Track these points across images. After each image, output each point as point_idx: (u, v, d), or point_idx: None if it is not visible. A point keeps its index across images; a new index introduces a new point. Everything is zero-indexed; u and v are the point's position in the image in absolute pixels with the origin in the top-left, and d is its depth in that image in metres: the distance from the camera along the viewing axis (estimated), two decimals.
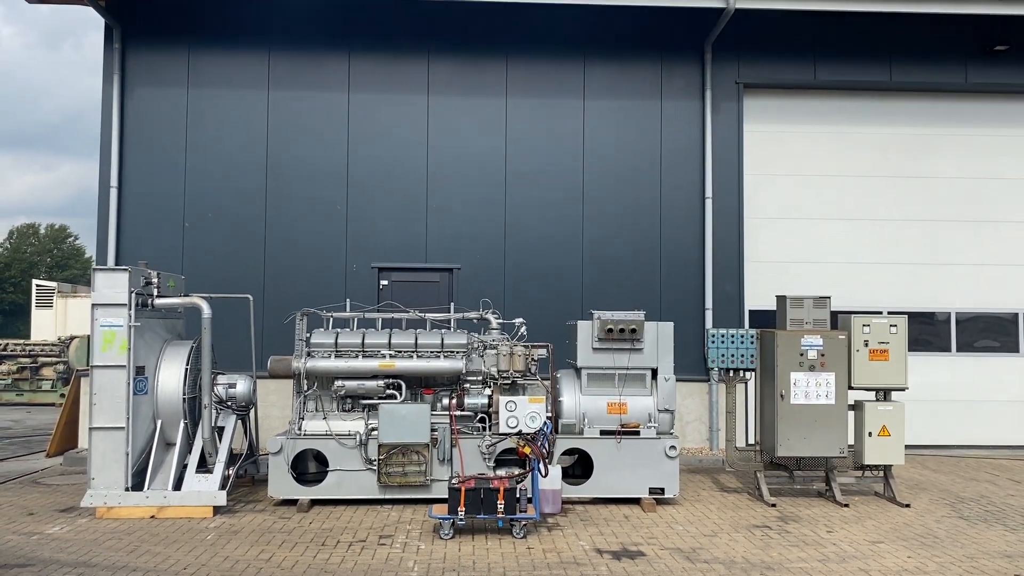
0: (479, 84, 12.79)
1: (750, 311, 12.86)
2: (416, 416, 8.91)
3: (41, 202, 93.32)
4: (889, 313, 12.10)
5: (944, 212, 13.32)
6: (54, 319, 25.73)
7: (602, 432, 9.19)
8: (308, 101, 12.66)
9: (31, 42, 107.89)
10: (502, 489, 7.78)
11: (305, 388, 9.31)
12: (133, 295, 8.69)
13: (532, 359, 9.31)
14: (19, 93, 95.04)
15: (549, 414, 8.83)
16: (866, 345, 9.40)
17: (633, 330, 9.31)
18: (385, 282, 12.49)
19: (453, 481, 7.96)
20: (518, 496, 7.83)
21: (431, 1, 12.04)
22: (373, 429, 9.02)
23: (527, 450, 8.26)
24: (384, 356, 9.29)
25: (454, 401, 9.18)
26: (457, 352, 9.36)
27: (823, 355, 9.34)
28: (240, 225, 12.48)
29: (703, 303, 12.64)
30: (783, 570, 6.91)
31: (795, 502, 9.43)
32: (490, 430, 9.05)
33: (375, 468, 8.91)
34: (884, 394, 9.51)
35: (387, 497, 8.99)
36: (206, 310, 9.03)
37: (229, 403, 9.53)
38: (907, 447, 9.62)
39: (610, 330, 9.29)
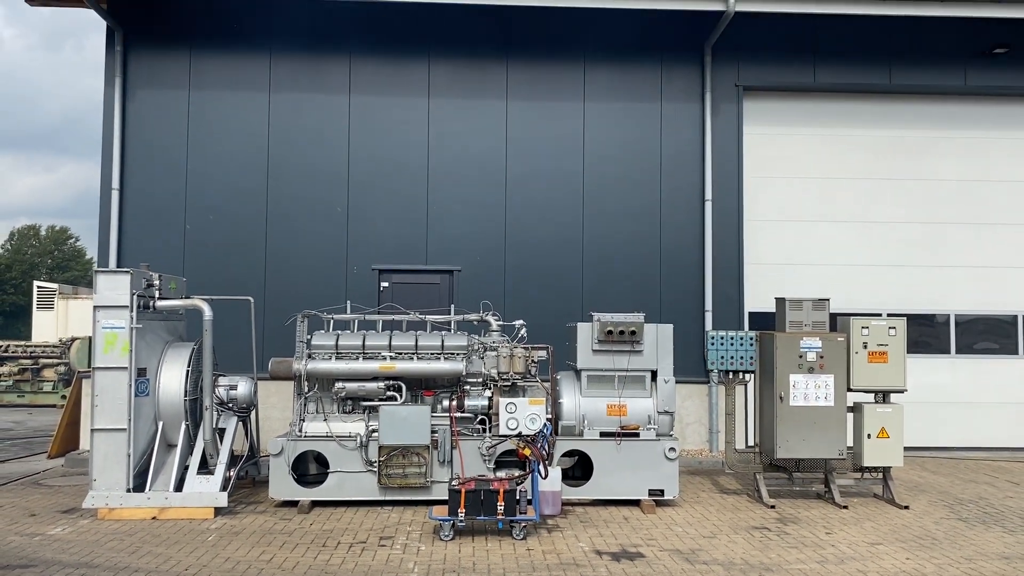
0: (480, 86, 12.83)
1: (750, 313, 12.89)
2: (416, 418, 8.94)
3: (42, 203, 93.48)
4: (889, 315, 12.11)
5: (944, 214, 13.35)
6: (55, 321, 25.79)
7: (602, 434, 9.22)
8: (309, 103, 12.70)
9: (32, 44, 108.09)
10: (502, 491, 7.81)
11: (306, 390, 9.34)
12: (135, 297, 8.73)
13: (532, 361, 9.34)
14: (20, 94, 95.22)
15: (549, 416, 8.86)
16: (865, 347, 9.43)
17: (633, 332, 9.34)
18: (386, 284, 12.52)
19: (453, 483, 7.99)
20: (518, 498, 7.86)
21: (431, 3, 12.07)
22: (374, 431, 9.05)
23: (527, 452, 8.29)
24: (384, 358, 9.32)
25: (454, 403, 9.21)
26: (457, 354, 9.39)
27: (822, 357, 9.37)
28: (241, 227, 12.52)
29: (703, 305, 12.67)
30: (782, 571, 6.94)
31: (794, 504, 9.45)
32: (490, 432, 9.08)
33: (375, 470, 8.94)
34: (883, 396, 9.54)
35: (387, 499, 9.01)
36: (207, 312, 9.06)
37: (230, 405, 9.56)
38: (906, 449, 9.64)
39: (610, 332, 9.32)
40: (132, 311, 8.70)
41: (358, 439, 9.03)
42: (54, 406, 20.17)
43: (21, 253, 58.35)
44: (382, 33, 12.74)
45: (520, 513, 7.84)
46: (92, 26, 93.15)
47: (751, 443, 10.14)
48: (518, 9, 12.20)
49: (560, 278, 12.64)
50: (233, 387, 9.60)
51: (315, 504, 8.98)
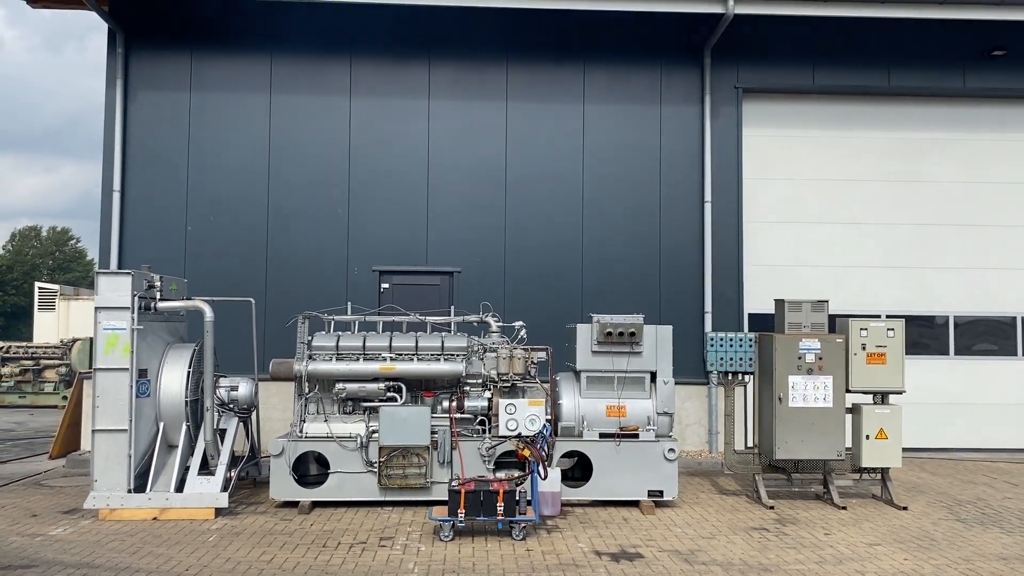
0: (480, 88, 12.86)
1: (749, 314, 12.91)
2: (416, 419, 8.97)
3: (43, 204, 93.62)
4: (888, 317, 12.14)
5: (943, 216, 13.38)
6: (56, 322, 25.82)
7: (601, 435, 9.25)
8: (309, 105, 12.74)
9: (34, 45, 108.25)
10: (502, 491, 7.83)
11: (306, 391, 9.36)
12: (136, 298, 8.76)
13: (532, 362, 9.37)
14: (22, 95, 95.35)
15: (548, 417, 8.89)
16: (864, 348, 9.46)
17: (632, 333, 9.37)
18: (386, 285, 12.56)
19: (453, 483, 8.02)
20: (517, 498, 7.89)
21: (432, 6, 12.10)
22: (374, 431, 9.08)
23: (526, 453, 8.31)
24: (385, 359, 9.35)
25: (454, 404, 9.24)
26: (457, 355, 9.42)
27: (821, 358, 9.40)
28: (242, 228, 12.55)
29: (702, 306, 12.70)
30: (780, 572, 6.97)
31: (793, 504, 9.48)
32: (490, 433, 9.12)
33: (376, 470, 8.97)
34: (882, 397, 9.56)
35: (388, 499, 9.04)
36: (208, 313, 9.10)
37: (231, 406, 9.60)
38: (905, 450, 9.67)
39: (609, 333, 9.35)
40: (133, 312, 8.73)
41: (358, 440, 9.06)
42: (55, 407, 20.21)
43: (22, 254, 58.41)
44: (382, 35, 12.77)
45: (520, 514, 7.87)
46: (94, 27, 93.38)
47: (750, 444, 10.17)
48: (518, 11, 12.24)
49: (560, 279, 12.67)
50: (234, 388, 9.64)
51: (315, 504, 9.01)
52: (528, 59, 12.88)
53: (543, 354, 9.45)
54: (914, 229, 13.32)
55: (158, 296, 9.22)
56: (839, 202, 13.28)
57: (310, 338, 9.51)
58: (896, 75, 13.17)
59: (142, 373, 8.87)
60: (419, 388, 9.48)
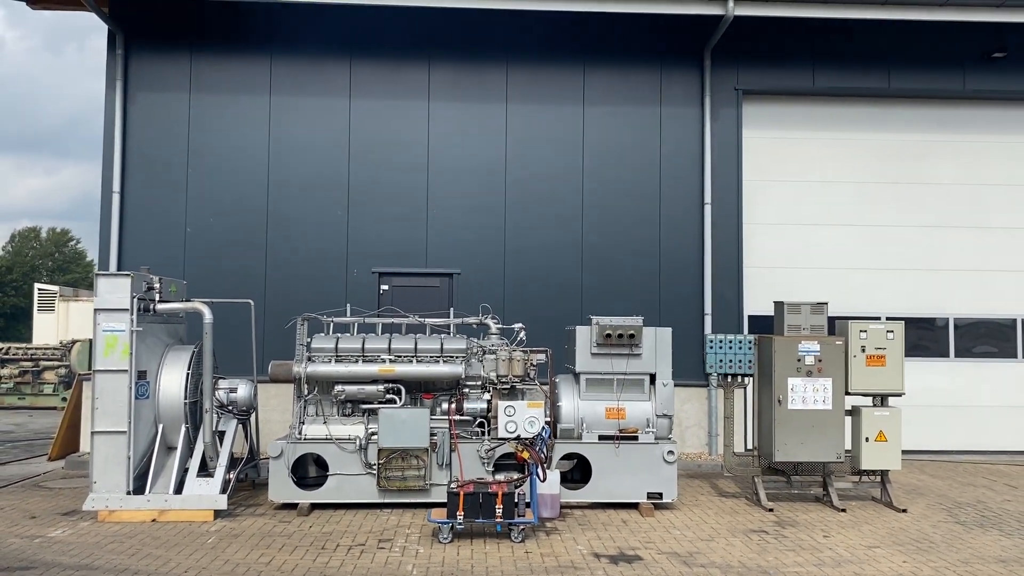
0: (479, 90, 12.87)
1: (749, 316, 12.91)
2: (415, 421, 8.97)
3: (43, 206, 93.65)
4: (888, 319, 12.14)
5: (943, 218, 13.38)
6: (56, 323, 25.81)
7: (600, 437, 9.25)
8: (309, 106, 12.74)
9: (34, 46, 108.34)
10: (500, 493, 7.83)
11: (306, 392, 9.36)
12: (135, 300, 8.77)
13: (531, 364, 9.37)
14: (22, 96, 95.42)
15: (547, 419, 8.90)
16: (863, 351, 9.45)
17: (631, 335, 9.36)
18: (385, 287, 12.55)
19: (452, 485, 8.02)
20: (516, 500, 7.89)
21: (432, 8, 12.11)
22: (373, 433, 9.08)
23: (525, 455, 8.31)
24: (384, 361, 9.35)
25: (453, 406, 9.23)
26: (456, 357, 9.42)
27: (820, 361, 9.39)
28: (242, 229, 12.55)
29: (702, 308, 12.70)
30: (779, 574, 6.96)
31: (792, 507, 9.48)
32: (489, 435, 9.11)
33: (375, 472, 8.97)
34: (881, 399, 9.56)
35: (386, 501, 9.04)
36: (207, 315, 9.09)
37: (230, 407, 9.60)
38: (905, 452, 9.66)
39: (609, 335, 9.35)
40: (132, 314, 8.74)
41: (357, 442, 9.06)
42: (55, 408, 20.22)
43: (22, 255, 58.42)
44: (382, 36, 12.78)
45: (518, 516, 7.87)
46: (94, 29, 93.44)
47: (750, 446, 10.16)
48: (518, 12, 12.24)
49: (559, 281, 12.66)
50: (233, 390, 9.64)
51: (314, 506, 9.00)
52: (528, 60, 12.88)
53: (542, 356, 9.45)
54: (914, 231, 13.32)
55: (157, 298, 9.22)
56: (839, 204, 13.28)
57: (309, 340, 9.50)
58: (896, 77, 13.17)
59: (141, 375, 8.87)
60: (418, 390, 9.48)
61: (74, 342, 21.02)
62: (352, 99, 12.76)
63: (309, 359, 9.35)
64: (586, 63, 12.95)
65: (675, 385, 9.61)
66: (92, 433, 8.73)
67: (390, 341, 9.50)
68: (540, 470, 8.28)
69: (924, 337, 13.24)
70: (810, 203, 13.28)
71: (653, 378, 9.47)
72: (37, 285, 28.09)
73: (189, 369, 9.22)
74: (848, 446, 9.51)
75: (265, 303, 12.16)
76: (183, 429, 9.08)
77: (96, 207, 12.54)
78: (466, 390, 9.38)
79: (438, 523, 7.83)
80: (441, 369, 9.32)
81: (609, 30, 12.87)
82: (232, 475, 9.08)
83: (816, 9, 11.98)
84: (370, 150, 12.73)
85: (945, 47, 13.16)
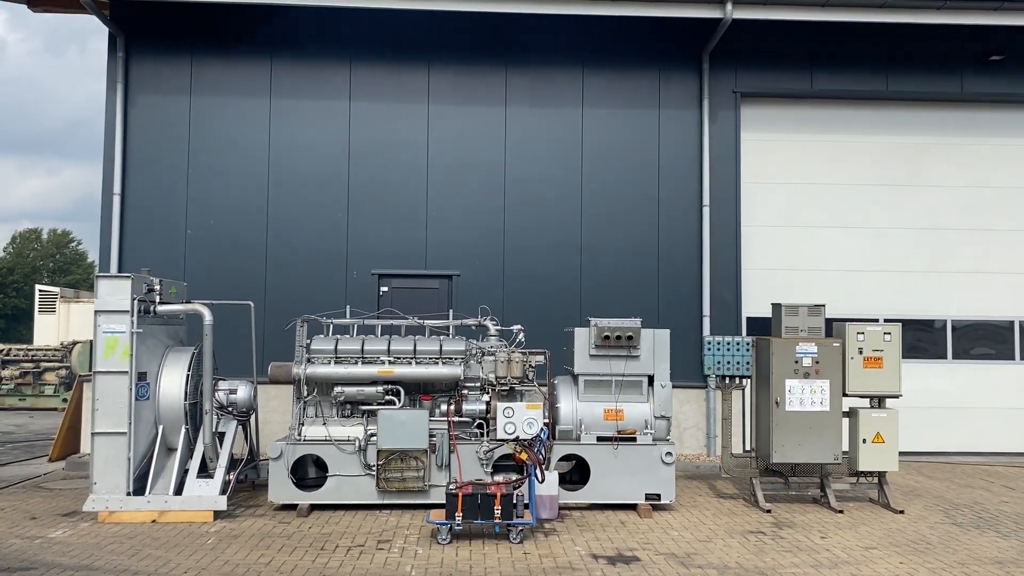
0: (479, 93, 12.90)
1: (747, 318, 12.94)
2: (415, 422, 9.00)
3: (44, 207, 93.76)
4: (886, 321, 12.17)
5: (941, 220, 13.41)
6: (57, 324, 25.86)
7: (599, 438, 9.27)
8: (309, 109, 12.78)
9: (36, 48, 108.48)
10: (499, 495, 7.86)
11: (305, 394, 9.39)
12: (135, 302, 8.80)
13: (530, 365, 9.40)
14: (24, 98, 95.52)
15: (546, 420, 8.92)
16: (860, 353, 9.48)
17: (630, 337, 9.39)
18: (385, 289, 12.59)
19: (451, 487, 8.04)
20: (515, 502, 7.91)
21: (432, 11, 12.15)
22: (372, 435, 9.11)
23: (524, 456, 8.33)
24: (383, 362, 9.38)
25: (452, 407, 9.26)
26: (455, 358, 9.45)
27: (818, 362, 9.42)
28: (242, 232, 12.59)
29: (700, 310, 12.73)
30: (776, 575, 6.99)
31: (790, 508, 9.51)
32: (488, 436, 9.15)
33: (374, 473, 9.00)
34: (878, 401, 9.59)
35: (386, 502, 9.07)
36: (208, 317, 9.13)
37: (230, 409, 9.63)
38: (903, 454, 9.70)
39: (607, 337, 9.38)
40: (133, 316, 8.77)
41: (357, 443, 9.09)
42: (55, 410, 20.26)
43: (23, 256, 58.48)
44: (382, 39, 12.82)
45: (517, 517, 7.89)
46: (95, 31, 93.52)
47: (748, 448, 10.19)
48: (517, 16, 12.28)
49: (558, 283, 12.70)
50: (233, 391, 9.68)
51: (314, 508, 9.04)
52: (527, 63, 12.92)
53: (541, 358, 9.49)
54: (912, 233, 13.35)
55: (157, 299, 9.26)
56: (837, 206, 13.31)
57: (309, 341, 9.54)
58: (894, 80, 13.21)
59: (141, 376, 8.90)
60: (417, 391, 9.51)
61: (75, 343, 21.04)
62: (352, 101, 12.80)
63: (309, 360, 9.39)
64: (585, 66, 12.99)
65: (673, 387, 9.65)
66: (92, 434, 8.77)
67: (389, 343, 9.53)
68: (538, 471, 8.31)
69: (922, 339, 13.27)
70: (808, 205, 13.31)
71: (651, 380, 9.50)
72: (38, 286, 28.14)
73: (189, 370, 9.25)
74: (845, 447, 9.53)
75: (265, 304, 12.20)
76: (183, 430, 9.12)
77: (97, 208, 12.57)
78: (465, 391, 9.41)
79: (437, 524, 7.86)
80: (440, 371, 9.35)
81: (608, 33, 12.91)
82: (232, 476, 9.12)
83: (814, 12, 12.02)
84: (370, 152, 12.76)
85: (943, 50, 13.20)
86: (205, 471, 9.04)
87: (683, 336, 11.97)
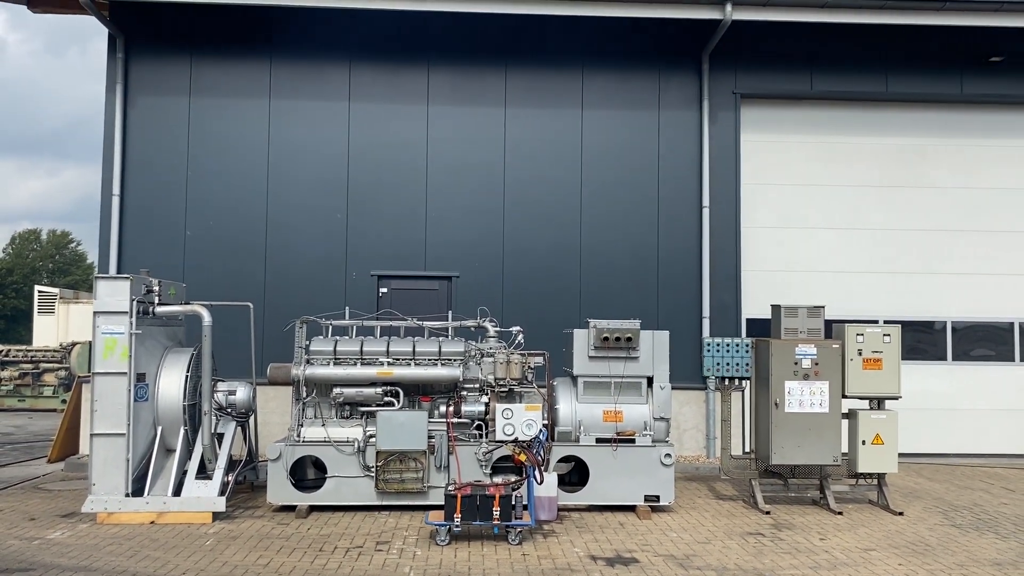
0: (478, 94, 12.90)
1: (747, 320, 12.94)
2: (413, 423, 8.99)
3: (44, 208, 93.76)
4: (885, 322, 12.18)
5: (940, 221, 13.41)
6: (56, 325, 25.87)
7: (598, 440, 9.26)
8: (309, 110, 12.78)
9: (36, 49, 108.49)
10: (498, 496, 7.85)
11: (304, 395, 9.38)
12: (134, 303, 8.79)
13: (529, 367, 9.39)
14: (24, 99, 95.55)
15: (545, 422, 8.92)
16: (860, 354, 9.48)
17: (629, 338, 9.39)
18: (384, 290, 12.59)
19: (450, 488, 8.04)
20: (514, 503, 7.91)
21: (431, 12, 12.15)
22: (371, 436, 9.11)
23: (523, 457, 8.33)
24: (382, 364, 9.38)
25: (451, 408, 9.25)
26: (454, 360, 9.44)
27: (817, 364, 9.41)
28: (241, 233, 12.58)
29: (700, 312, 12.73)
30: None
31: (789, 510, 9.50)
32: (487, 437, 9.14)
33: (373, 475, 8.99)
34: (878, 403, 9.58)
35: (384, 503, 9.06)
36: (207, 318, 9.13)
37: (229, 410, 9.62)
38: (902, 455, 9.69)
39: (606, 338, 9.37)
40: (132, 317, 8.77)
41: (356, 444, 9.08)
42: (54, 411, 20.26)
43: (22, 257, 58.49)
44: (382, 40, 12.82)
45: (516, 518, 7.89)
46: (95, 32, 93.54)
47: (747, 449, 10.18)
48: (517, 17, 12.28)
49: (557, 284, 12.70)
50: (232, 392, 9.67)
51: (312, 509, 9.03)
52: (527, 64, 12.92)
53: (540, 359, 9.49)
54: (911, 235, 13.35)
55: (156, 300, 9.25)
56: (837, 207, 13.31)
57: (308, 342, 9.53)
58: (894, 81, 13.21)
59: (140, 377, 8.90)
60: (416, 393, 9.50)
61: (74, 344, 21.07)
62: (351, 102, 12.80)
63: (308, 362, 9.38)
64: (584, 67, 12.99)
65: (673, 388, 9.65)
66: (91, 435, 8.76)
67: (388, 344, 9.53)
68: (537, 473, 8.31)
69: (922, 340, 13.27)
70: (808, 206, 13.31)
71: (651, 381, 9.49)
72: (37, 287, 28.15)
73: (188, 371, 9.24)
74: (845, 449, 9.53)
75: (264, 306, 12.20)
76: (182, 431, 9.11)
77: (97, 209, 12.57)
78: (464, 393, 9.40)
79: (436, 525, 7.85)
80: (439, 372, 9.34)
81: (608, 34, 12.91)
82: (231, 477, 9.11)
83: (814, 13, 12.02)
84: (369, 153, 12.76)
85: (942, 51, 13.20)
86: (204, 472, 9.04)
87: (682, 337, 11.97)
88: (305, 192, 12.68)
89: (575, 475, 9.60)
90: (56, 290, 27.55)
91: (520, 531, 7.90)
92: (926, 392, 12.89)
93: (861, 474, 9.56)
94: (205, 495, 8.77)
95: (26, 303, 45.20)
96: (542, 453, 8.52)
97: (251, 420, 10.04)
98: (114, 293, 8.79)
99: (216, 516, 8.71)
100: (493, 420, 8.91)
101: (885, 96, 13.27)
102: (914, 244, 13.35)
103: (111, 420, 8.72)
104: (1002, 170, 13.50)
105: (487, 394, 9.35)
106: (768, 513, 9.27)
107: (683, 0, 11.94)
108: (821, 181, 13.34)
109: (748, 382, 9.97)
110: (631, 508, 9.21)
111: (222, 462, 9.04)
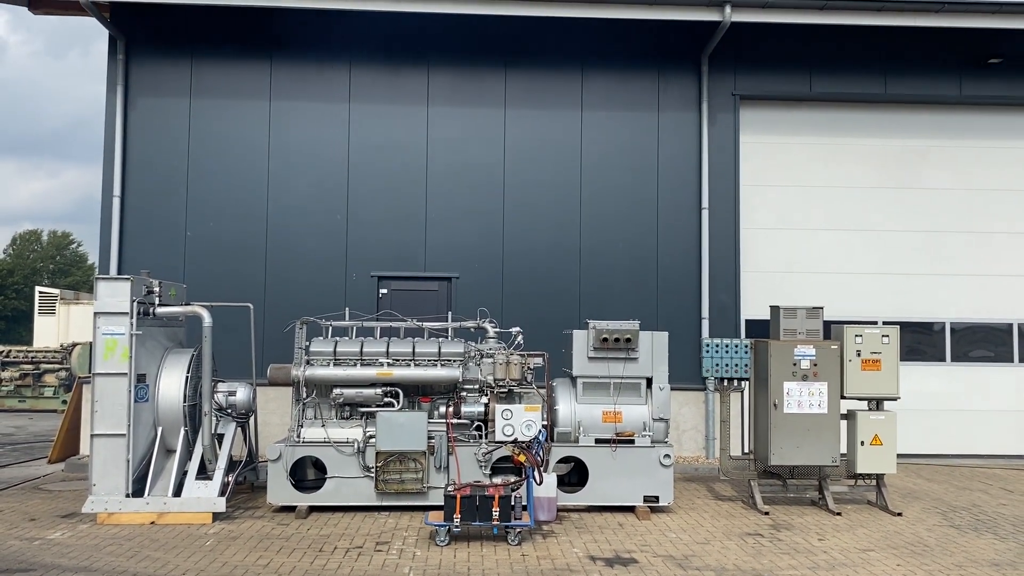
0: (478, 95, 12.92)
1: (746, 320, 12.96)
2: (413, 424, 9.01)
3: (45, 208, 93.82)
4: (884, 323, 12.20)
5: (939, 223, 13.43)
6: (57, 326, 25.87)
7: (597, 440, 9.28)
8: (309, 111, 12.80)
9: (37, 50, 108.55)
10: (497, 496, 7.87)
11: (304, 396, 9.39)
12: (135, 304, 8.81)
13: (528, 368, 9.41)
14: (25, 100, 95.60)
15: (544, 422, 8.93)
16: (858, 355, 9.50)
17: (628, 339, 9.41)
18: (384, 291, 12.61)
19: (449, 488, 8.05)
20: (513, 503, 7.92)
21: (432, 13, 12.17)
22: (371, 437, 9.12)
23: (522, 458, 8.35)
24: (382, 364, 9.39)
25: (451, 409, 9.27)
26: (454, 361, 9.46)
27: (816, 365, 9.43)
28: (241, 234, 12.60)
29: (699, 312, 12.74)
30: None
31: (788, 510, 9.52)
32: (486, 438, 9.16)
33: (373, 475, 9.01)
34: (876, 403, 9.60)
35: (384, 504, 9.08)
36: (207, 319, 9.15)
37: (229, 410, 9.64)
38: (901, 456, 9.71)
39: (605, 339, 9.39)
40: (132, 317, 8.78)
41: (355, 445, 9.10)
42: (55, 411, 20.27)
43: (23, 258, 58.53)
44: (382, 42, 12.84)
45: (515, 519, 7.91)
46: (96, 33, 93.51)
47: (746, 450, 10.20)
48: (517, 19, 12.30)
49: (557, 285, 12.71)
50: (232, 393, 9.69)
51: (312, 509, 9.05)
52: (526, 65, 12.94)
53: (539, 360, 9.50)
54: (911, 236, 13.37)
55: (157, 301, 9.27)
56: (836, 209, 13.33)
57: (308, 343, 9.55)
58: (892, 83, 13.24)
59: (141, 378, 8.92)
60: (416, 393, 9.52)
61: (74, 345, 21.07)
62: (352, 103, 12.83)
63: (308, 363, 9.40)
64: (584, 68, 13.01)
65: (672, 389, 9.67)
66: (91, 436, 8.78)
67: (388, 345, 9.55)
68: (537, 473, 8.33)
69: (921, 341, 13.28)
70: (807, 208, 13.33)
71: (650, 382, 9.51)
72: (38, 288, 28.16)
73: (188, 372, 9.26)
74: (844, 450, 9.54)
75: (264, 307, 12.22)
76: (182, 432, 9.13)
77: (97, 210, 12.59)
78: (464, 393, 9.42)
79: (435, 526, 7.87)
80: (439, 373, 9.36)
81: (607, 35, 12.93)
82: (231, 478, 9.13)
83: (813, 15, 12.04)
84: (369, 154, 12.78)
85: (941, 53, 13.22)
86: (204, 473, 9.05)
87: (682, 338, 11.99)
88: (305, 193, 12.70)
89: (574, 476, 9.62)
90: (57, 291, 27.56)
91: (519, 531, 7.92)
92: (925, 393, 12.91)
93: (860, 475, 9.58)
94: (205, 496, 8.79)
95: (27, 304, 45.21)
96: (541, 454, 8.54)
97: (251, 421, 10.05)
98: (115, 294, 8.81)
99: (216, 516, 8.73)
100: (492, 421, 8.93)
101: (884, 97, 13.29)
102: (913, 245, 13.37)
103: (111, 421, 8.73)
104: (1001, 171, 13.52)
105: (487, 395, 9.37)
106: (767, 514, 9.29)
107: (682, 2, 11.96)
108: (820, 182, 13.36)
109: (747, 383, 9.98)
110: (630, 509, 9.23)
111: (222, 463, 9.06)
